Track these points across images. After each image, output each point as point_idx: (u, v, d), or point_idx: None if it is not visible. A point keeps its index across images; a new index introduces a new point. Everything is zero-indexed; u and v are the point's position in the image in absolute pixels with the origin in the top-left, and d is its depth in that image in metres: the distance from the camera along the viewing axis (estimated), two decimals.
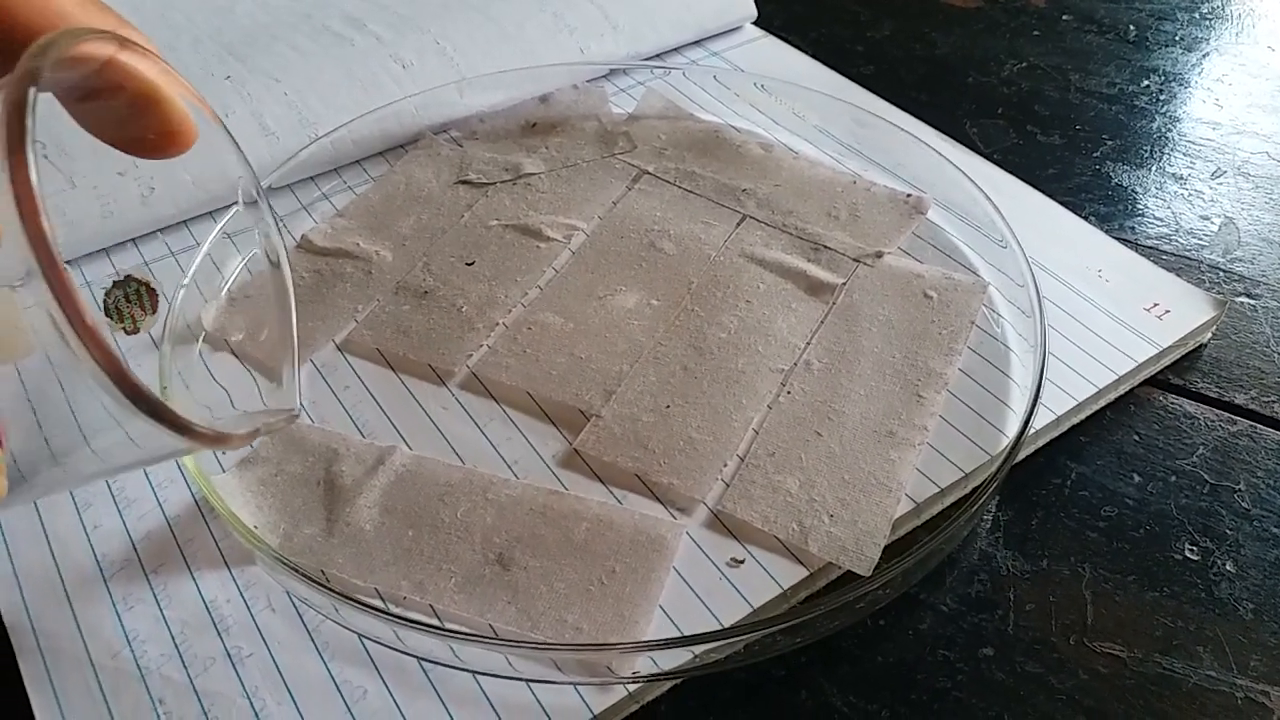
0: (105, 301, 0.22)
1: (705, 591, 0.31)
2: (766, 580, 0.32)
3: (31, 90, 0.18)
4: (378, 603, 0.31)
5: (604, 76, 0.55)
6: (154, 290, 0.23)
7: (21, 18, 0.22)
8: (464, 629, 0.30)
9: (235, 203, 0.43)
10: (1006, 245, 0.41)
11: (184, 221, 0.45)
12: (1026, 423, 0.34)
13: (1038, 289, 0.39)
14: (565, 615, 0.30)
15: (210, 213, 0.45)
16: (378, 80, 0.50)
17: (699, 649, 0.30)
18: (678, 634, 0.30)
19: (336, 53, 0.50)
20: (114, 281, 0.21)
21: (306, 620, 0.31)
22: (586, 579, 0.31)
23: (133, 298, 0.24)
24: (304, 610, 0.31)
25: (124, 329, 0.21)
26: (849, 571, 0.32)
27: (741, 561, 0.32)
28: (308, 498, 0.34)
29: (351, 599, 0.29)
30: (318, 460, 0.35)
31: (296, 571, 0.30)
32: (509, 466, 0.35)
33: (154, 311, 0.23)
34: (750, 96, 0.52)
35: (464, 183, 0.47)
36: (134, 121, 0.24)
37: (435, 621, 0.31)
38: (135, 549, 0.33)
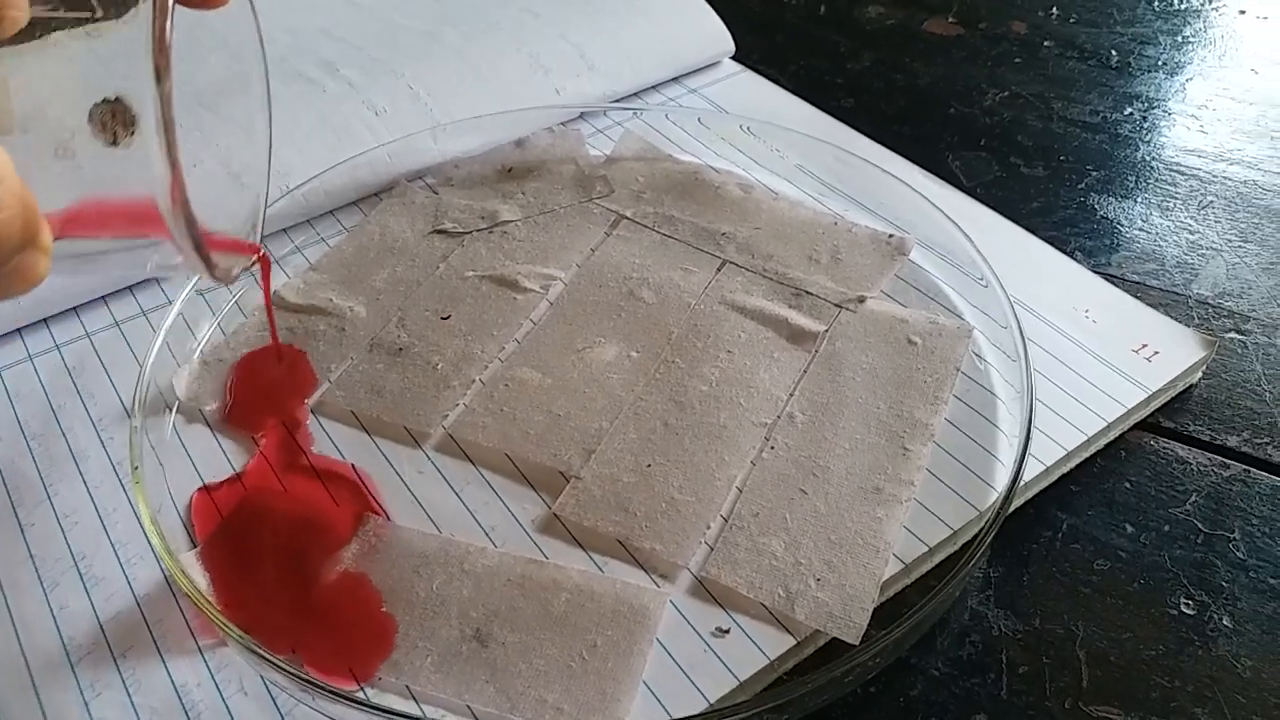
0: (93, 111, 0.24)
1: (689, 665, 0.31)
2: (752, 650, 0.31)
3: None
4: (351, 685, 0.30)
5: (579, 117, 0.54)
6: (134, 118, 0.25)
7: None
8: (441, 712, 0.29)
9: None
10: (989, 285, 0.41)
11: (155, 279, 0.44)
12: (1016, 477, 0.33)
13: (1022, 333, 0.38)
14: (545, 695, 0.30)
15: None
16: (350, 128, 0.49)
17: None
18: (662, 712, 0.29)
19: (309, 100, 0.49)
20: (105, 100, 0.24)
21: (280, 704, 0.30)
22: (567, 655, 0.30)
23: (120, 117, 0.25)
24: (277, 694, 0.30)
25: (103, 139, 0.24)
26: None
27: (727, 631, 0.31)
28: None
29: (322, 687, 0.28)
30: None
31: (265, 658, 0.29)
32: (486, 534, 0.34)
33: (133, 134, 0.25)
34: (730, 136, 0.52)
35: (439, 232, 0.46)
36: None
37: (412, 705, 0.30)
38: (103, 631, 0.32)
